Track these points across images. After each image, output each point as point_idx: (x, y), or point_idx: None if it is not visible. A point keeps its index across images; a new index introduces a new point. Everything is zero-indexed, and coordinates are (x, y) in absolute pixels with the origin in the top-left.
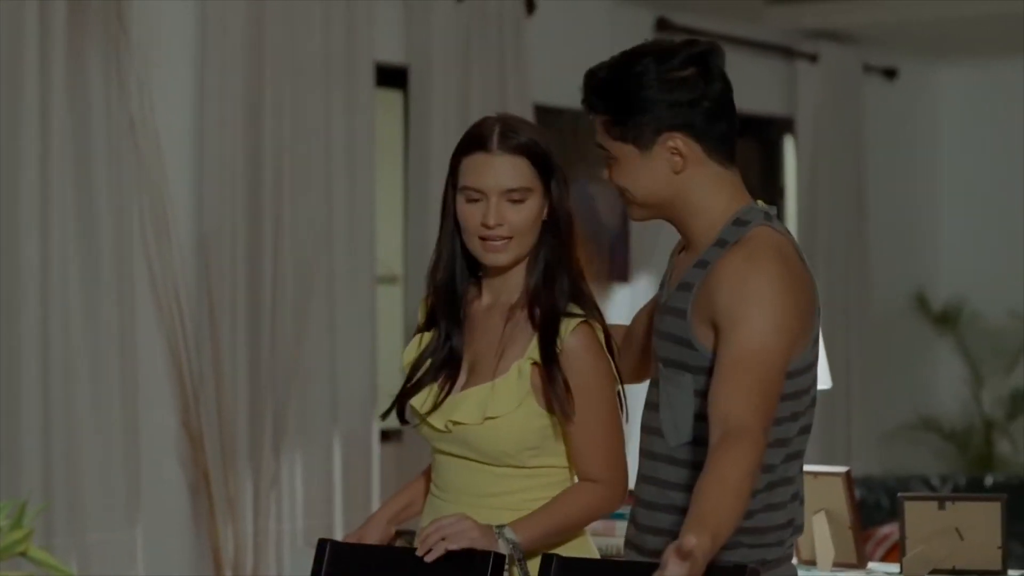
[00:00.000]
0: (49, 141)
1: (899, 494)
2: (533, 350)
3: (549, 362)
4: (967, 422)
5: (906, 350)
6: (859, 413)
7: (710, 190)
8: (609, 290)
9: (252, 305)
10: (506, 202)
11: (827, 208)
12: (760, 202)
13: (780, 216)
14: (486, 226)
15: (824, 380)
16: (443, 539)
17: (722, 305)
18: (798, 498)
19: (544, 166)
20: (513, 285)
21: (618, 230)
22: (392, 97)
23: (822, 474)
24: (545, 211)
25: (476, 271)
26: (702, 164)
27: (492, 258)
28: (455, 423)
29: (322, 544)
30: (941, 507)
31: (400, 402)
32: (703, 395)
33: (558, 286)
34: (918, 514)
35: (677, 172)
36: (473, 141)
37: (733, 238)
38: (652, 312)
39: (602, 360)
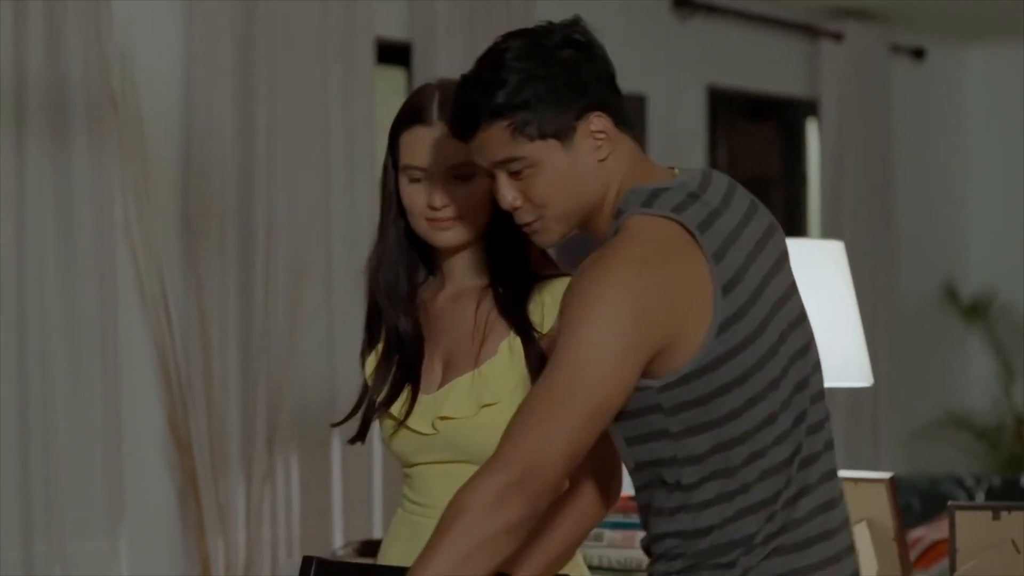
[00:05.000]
0: (24, 120)
1: (949, 503)
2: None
3: (526, 328)
4: (998, 419)
5: (935, 344)
6: (886, 411)
7: (635, 173)
8: None
9: (243, 298)
10: (452, 179)
11: (852, 194)
12: (677, 170)
13: (802, 202)
14: (432, 207)
15: (865, 377)
16: None
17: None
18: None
19: None
20: (474, 266)
21: None
22: (394, 75)
23: (863, 481)
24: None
25: (430, 259)
26: (620, 143)
27: (440, 237)
28: (444, 419)
29: (307, 561)
30: (996, 517)
31: (372, 416)
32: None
33: (522, 258)
34: (970, 525)
35: (602, 160)
36: (410, 114)
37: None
38: None
39: None
